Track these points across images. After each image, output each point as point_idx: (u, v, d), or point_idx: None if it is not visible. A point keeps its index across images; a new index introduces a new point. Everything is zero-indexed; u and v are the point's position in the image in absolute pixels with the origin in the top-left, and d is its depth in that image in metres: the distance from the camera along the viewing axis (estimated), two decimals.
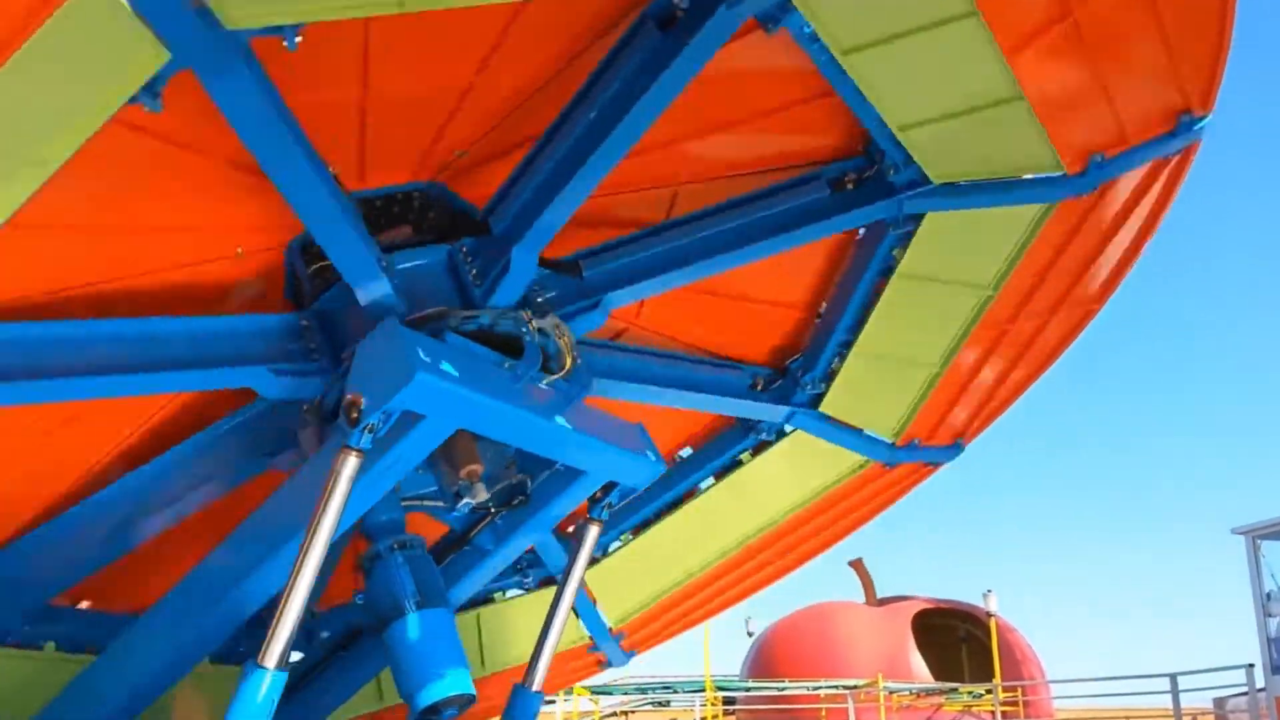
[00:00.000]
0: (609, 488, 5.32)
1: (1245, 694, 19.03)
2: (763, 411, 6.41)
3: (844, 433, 6.44)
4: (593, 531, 5.57)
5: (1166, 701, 19.53)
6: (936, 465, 6.73)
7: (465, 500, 4.93)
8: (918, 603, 26.62)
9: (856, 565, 27.44)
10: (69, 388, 4.62)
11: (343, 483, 4.15)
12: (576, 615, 7.04)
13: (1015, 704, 23.35)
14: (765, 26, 4.46)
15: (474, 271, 5.05)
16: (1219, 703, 19.50)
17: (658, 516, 6.94)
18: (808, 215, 5.48)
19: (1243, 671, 19.00)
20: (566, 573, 5.55)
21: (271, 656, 4.11)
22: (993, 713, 22.68)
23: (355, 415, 4.11)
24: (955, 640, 27.01)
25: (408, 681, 4.85)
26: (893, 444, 6.49)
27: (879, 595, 27.51)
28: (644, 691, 27.36)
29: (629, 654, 7.41)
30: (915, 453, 6.59)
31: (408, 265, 4.97)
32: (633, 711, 27.73)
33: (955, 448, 6.70)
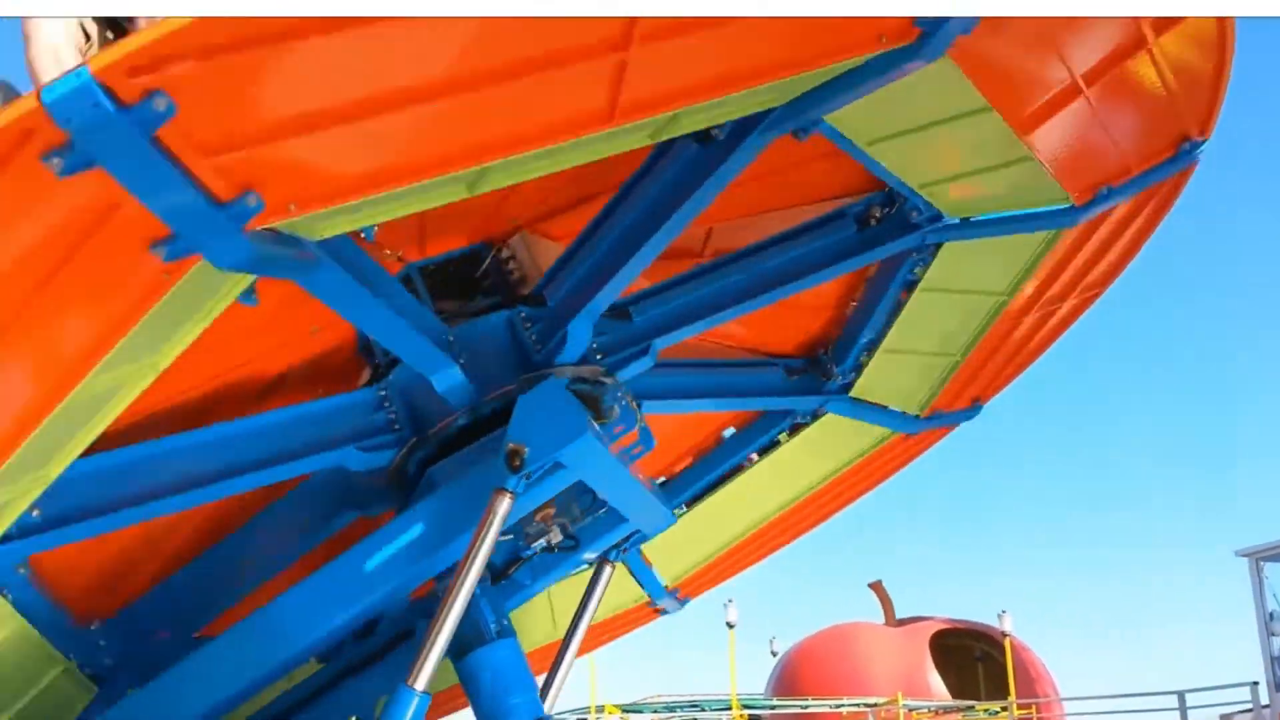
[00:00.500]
0: (631, 535, 5.53)
1: (1250, 710, 19.17)
2: (798, 403, 6.62)
3: (873, 411, 6.66)
4: (607, 571, 5.82)
5: (1175, 718, 19.99)
6: (956, 425, 7.04)
7: (540, 541, 5.19)
8: (935, 623, 26.56)
9: (876, 587, 27.60)
10: (166, 505, 4.74)
11: (497, 520, 4.38)
12: (635, 579, 7.32)
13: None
14: (796, 135, 4.68)
15: (533, 337, 5.22)
16: (1225, 719, 19.64)
17: (708, 491, 7.15)
18: (837, 253, 5.68)
19: (1247, 689, 19.19)
20: (581, 608, 5.75)
21: (421, 680, 4.24)
22: None
23: (518, 463, 4.39)
24: (972, 659, 26.77)
25: (489, 705, 4.99)
26: (917, 416, 6.71)
27: (898, 616, 27.52)
28: (672, 710, 27.07)
29: (684, 601, 7.71)
30: (938, 419, 6.82)
31: (471, 330, 5.16)
32: None
33: (974, 409, 6.94)
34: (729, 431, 7.14)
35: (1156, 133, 5.23)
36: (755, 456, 7.06)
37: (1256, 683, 19.13)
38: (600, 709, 24.70)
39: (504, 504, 4.37)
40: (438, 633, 4.28)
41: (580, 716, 24.73)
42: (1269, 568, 20.59)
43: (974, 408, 6.89)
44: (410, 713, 4.21)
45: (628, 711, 26.22)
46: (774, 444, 7.00)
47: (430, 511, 4.76)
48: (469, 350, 4.96)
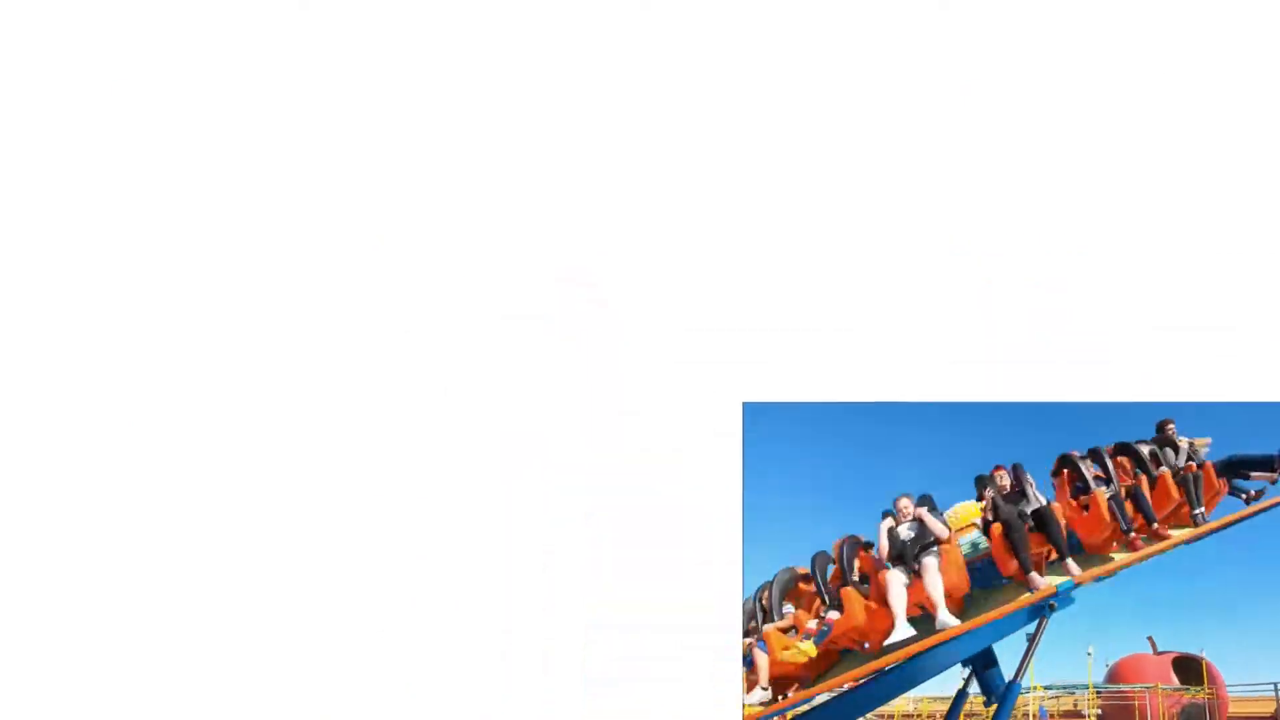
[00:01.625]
0: None
1: None
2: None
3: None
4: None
5: (1271, 695, 41.71)
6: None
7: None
8: (1173, 654, 47.15)
9: (1150, 640, 52.45)
10: None
11: (1044, 626, 4.80)
12: None
13: (1213, 696, 53.52)
14: None
15: None
16: None
17: None
18: None
19: None
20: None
21: (1023, 677, 4.87)
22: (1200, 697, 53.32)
23: (1053, 608, 4.81)
24: (1188, 670, 57.06)
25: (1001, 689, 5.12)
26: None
27: (1159, 650, 56.70)
28: (1064, 688, 58.16)
29: None
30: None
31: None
32: (1054, 698, 58.95)
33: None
34: None
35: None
36: None
37: None
38: (1032, 688, 55.51)
39: (1045, 623, 4.86)
40: (1033, 651, 4.91)
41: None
42: None
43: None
44: (1015, 700, 4.87)
45: (1045, 689, 57.72)
46: None
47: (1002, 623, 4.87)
48: None
